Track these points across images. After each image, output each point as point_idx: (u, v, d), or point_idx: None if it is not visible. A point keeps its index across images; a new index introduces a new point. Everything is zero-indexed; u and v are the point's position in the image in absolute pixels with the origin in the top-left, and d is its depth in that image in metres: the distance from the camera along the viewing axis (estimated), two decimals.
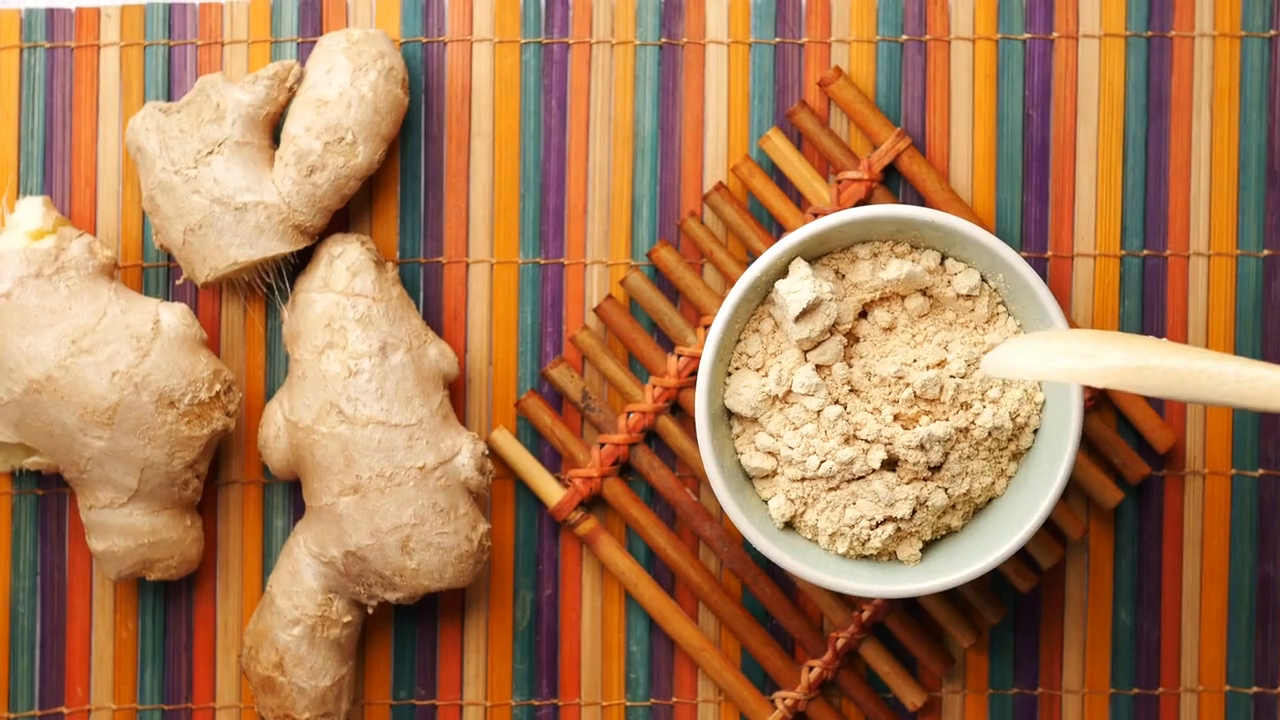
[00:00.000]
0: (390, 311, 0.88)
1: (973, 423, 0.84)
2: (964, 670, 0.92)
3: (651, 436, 0.92)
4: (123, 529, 0.87)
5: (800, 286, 0.84)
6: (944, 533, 0.87)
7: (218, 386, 0.86)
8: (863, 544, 0.86)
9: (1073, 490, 0.91)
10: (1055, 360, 0.75)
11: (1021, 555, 0.91)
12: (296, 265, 0.90)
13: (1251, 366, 0.72)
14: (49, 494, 0.92)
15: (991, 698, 0.92)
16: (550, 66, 0.91)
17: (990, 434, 0.85)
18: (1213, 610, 0.92)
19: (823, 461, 0.84)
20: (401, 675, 0.92)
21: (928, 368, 0.84)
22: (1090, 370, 0.74)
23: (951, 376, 0.84)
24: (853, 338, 0.86)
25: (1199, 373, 0.72)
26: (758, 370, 0.86)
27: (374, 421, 0.86)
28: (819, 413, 0.85)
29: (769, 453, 0.86)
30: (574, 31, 0.91)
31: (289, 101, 0.88)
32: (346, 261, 0.88)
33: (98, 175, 0.91)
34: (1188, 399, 0.73)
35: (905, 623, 0.91)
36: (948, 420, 0.84)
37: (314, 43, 0.91)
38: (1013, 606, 0.92)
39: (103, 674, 0.92)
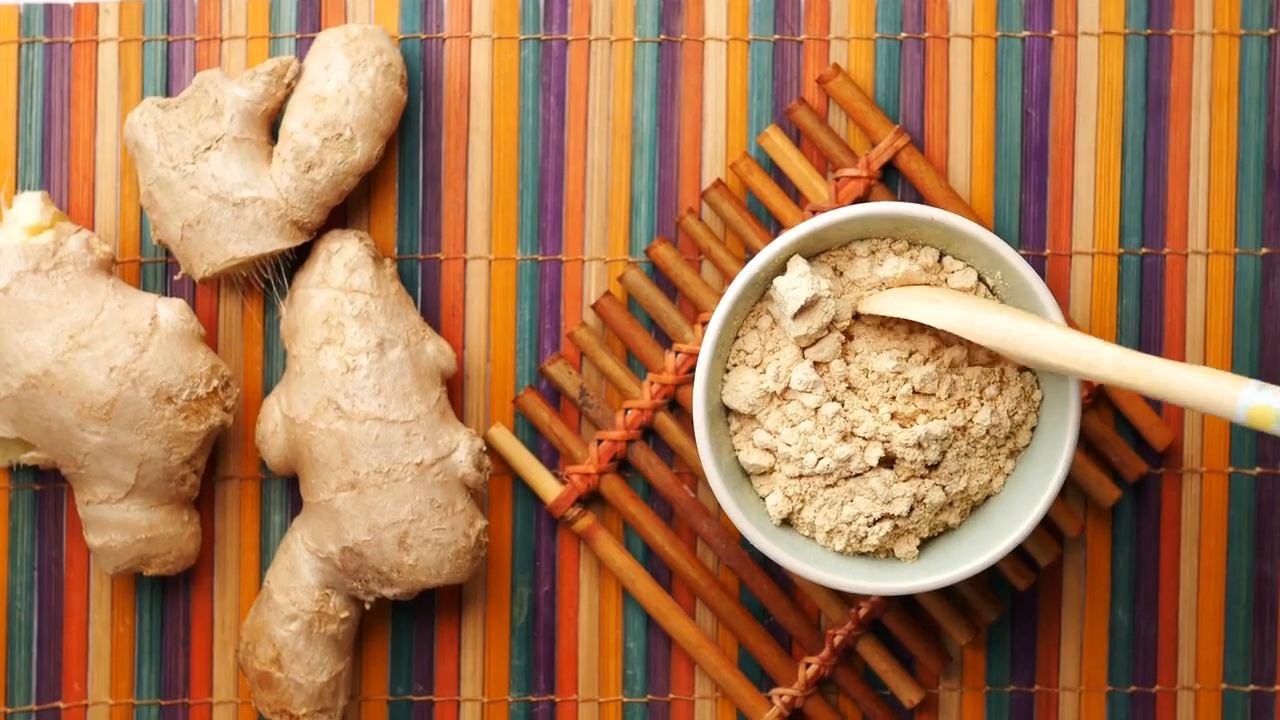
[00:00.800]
0: (388, 308, 0.88)
1: (970, 421, 0.84)
2: (961, 667, 0.92)
3: (649, 433, 0.92)
4: (120, 524, 0.87)
5: (799, 283, 0.84)
6: (941, 530, 0.87)
7: (215, 382, 0.86)
8: (860, 541, 0.86)
9: (1070, 488, 0.91)
10: (907, 303, 0.83)
11: (1019, 553, 0.91)
12: (294, 261, 0.90)
13: (1072, 336, 0.80)
14: (46, 489, 0.92)
15: (989, 695, 0.92)
16: (549, 63, 0.91)
17: (988, 432, 0.85)
18: (1210, 608, 0.92)
19: (820, 459, 0.84)
20: (399, 671, 0.92)
21: (924, 361, 0.84)
22: (929, 312, 0.83)
23: (947, 370, 0.84)
24: (849, 335, 0.86)
25: (1021, 331, 0.81)
26: (755, 367, 0.86)
27: (371, 417, 0.86)
28: (816, 410, 0.85)
29: (766, 450, 0.86)
30: (573, 28, 0.91)
31: (287, 97, 0.88)
32: (344, 258, 0.88)
33: (96, 171, 0.91)
34: (1009, 353, 0.82)
35: (903, 620, 0.91)
36: (945, 419, 0.84)
37: (312, 39, 0.91)
38: (1010, 604, 0.92)
39: (100, 669, 0.92)
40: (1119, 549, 0.92)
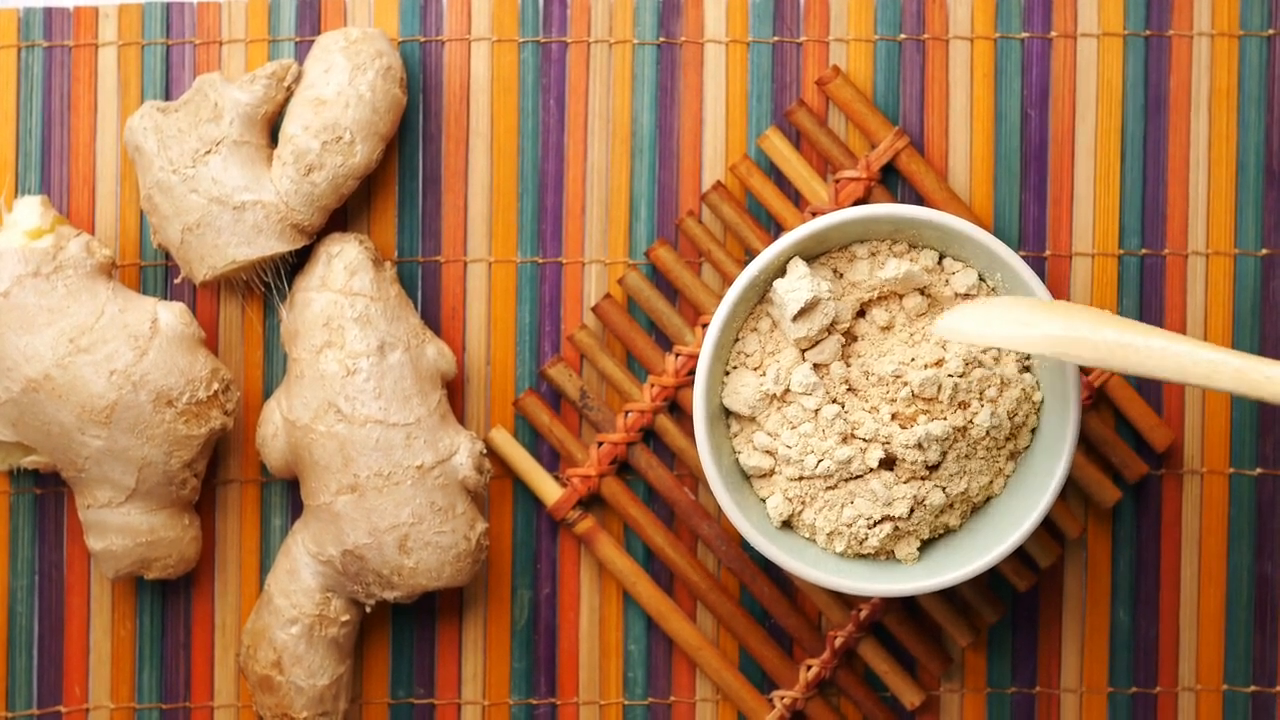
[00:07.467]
0: (388, 310, 0.88)
1: (970, 422, 0.84)
2: (962, 669, 0.92)
3: (650, 436, 0.92)
4: (121, 528, 0.87)
5: (798, 285, 0.84)
6: (942, 532, 0.87)
7: (215, 385, 0.86)
8: (860, 543, 0.86)
9: (1071, 489, 0.91)
10: (996, 327, 0.78)
11: (1020, 554, 0.91)
12: (294, 264, 0.90)
13: (1176, 342, 0.74)
14: (47, 493, 0.92)
15: (990, 696, 0.92)
16: (548, 66, 0.91)
17: (988, 433, 0.84)
18: (1210, 609, 0.92)
19: (820, 460, 0.84)
20: (399, 674, 0.92)
21: (925, 367, 0.84)
22: (1026, 338, 0.77)
23: (949, 375, 0.84)
24: (850, 337, 0.86)
25: (1126, 345, 0.75)
26: (755, 369, 0.86)
27: (372, 420, 0.86)
28: (817, 411, 0.85)
29: (767, 452, 0.86)
30: (572, 31, 0.91)
31: (287, 101, 0.88)
32: (344, 260, 0.88)
33: (96, 174, 0.91)
34: (1118, 370, 0.75)
35: (903, 622, 0.91)
36: (945, 419, 0.84)
37: (312, 42, 0.91)
38: (1011, 605, 0.92)
39: (100, 673, 0.92)
40: (1120, 550, 0.92)
